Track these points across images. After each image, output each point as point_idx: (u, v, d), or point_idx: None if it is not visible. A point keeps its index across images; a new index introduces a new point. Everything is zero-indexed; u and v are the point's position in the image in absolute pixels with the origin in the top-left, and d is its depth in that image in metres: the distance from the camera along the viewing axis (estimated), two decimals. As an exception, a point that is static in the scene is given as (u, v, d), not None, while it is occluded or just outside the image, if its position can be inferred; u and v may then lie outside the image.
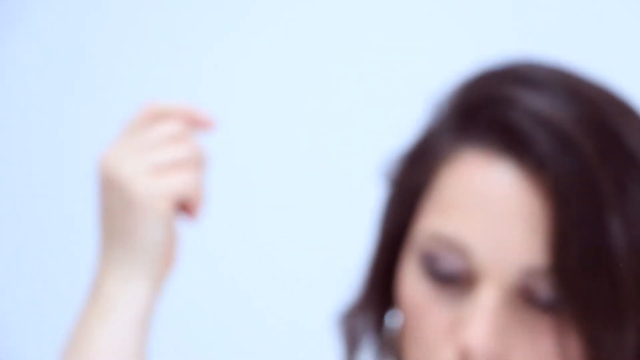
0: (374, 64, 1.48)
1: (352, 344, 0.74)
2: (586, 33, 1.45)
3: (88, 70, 1.62)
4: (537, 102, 0.67)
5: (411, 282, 0.69)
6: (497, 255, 0.67)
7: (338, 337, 0.75)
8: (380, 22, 1.49)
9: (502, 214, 0.67)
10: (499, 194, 0.67)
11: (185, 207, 0.77)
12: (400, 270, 0.70)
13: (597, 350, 0.65)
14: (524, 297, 0.67)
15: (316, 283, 1.44)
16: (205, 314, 1.51)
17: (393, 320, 0.71)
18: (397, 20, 1.49)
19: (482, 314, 0.66)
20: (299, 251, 1.49)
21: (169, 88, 1.60)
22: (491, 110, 0.68)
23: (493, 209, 0.67)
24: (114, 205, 0.75)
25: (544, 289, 0.66)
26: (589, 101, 0.67)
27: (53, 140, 1.64)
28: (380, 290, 0.73)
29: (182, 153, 0.76)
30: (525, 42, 1.41)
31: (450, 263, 0.68)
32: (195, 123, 0.77)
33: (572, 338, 0.66)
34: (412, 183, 0.71)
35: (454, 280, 0.68)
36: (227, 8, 1.57)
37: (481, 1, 1.45)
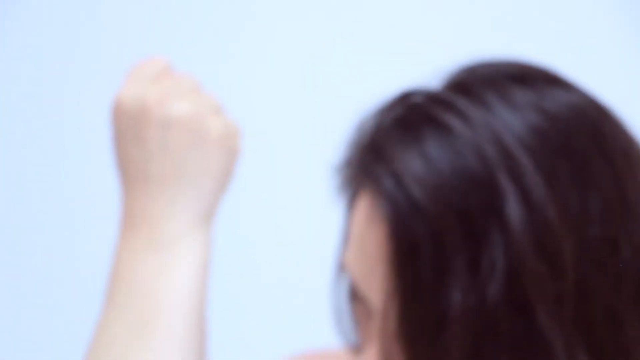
0: (364, 66, 1.50)
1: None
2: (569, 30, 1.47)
3: (87, 69, 1.63)
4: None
5: None
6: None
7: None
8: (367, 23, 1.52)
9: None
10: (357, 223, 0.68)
11: None
12: None
13: None
14: None
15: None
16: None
17: None
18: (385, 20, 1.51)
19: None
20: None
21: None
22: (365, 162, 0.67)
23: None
24: (177, 144, 0.70)
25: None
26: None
27: (53, 140, 1.65)
28: None
29: (216, 99, 0.73)
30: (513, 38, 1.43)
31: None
32: None
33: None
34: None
35: None
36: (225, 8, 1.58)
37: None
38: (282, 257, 1.54)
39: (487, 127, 0.64)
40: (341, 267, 0.71)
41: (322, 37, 1.52)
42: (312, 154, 1.36)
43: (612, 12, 1.46)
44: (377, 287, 0.66)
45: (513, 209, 0.63)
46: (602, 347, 0.65)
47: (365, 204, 0.67)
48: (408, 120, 0.66)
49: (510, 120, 0.65)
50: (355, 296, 0.69)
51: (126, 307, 0.70)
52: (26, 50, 1.62)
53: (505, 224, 0.63)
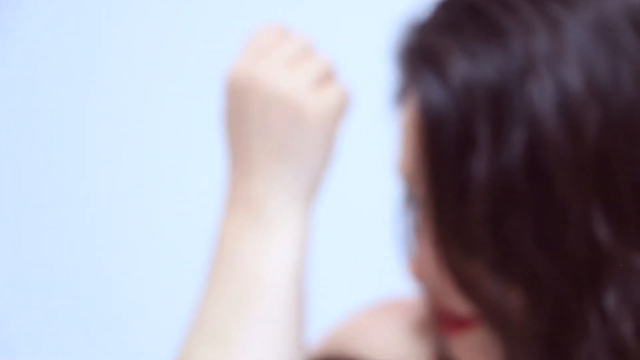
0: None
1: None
2: None
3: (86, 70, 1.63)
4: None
5: None
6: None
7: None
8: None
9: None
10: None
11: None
12: None
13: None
14: None
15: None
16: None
17: None
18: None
19: None
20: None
21: (169, 87, 1.60)
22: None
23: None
24: (278, 122, 0.70)
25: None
26: None
27: (52, 140, 1.64)
28: None
29: (327, 64, 0.72)
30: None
31: None
32: None
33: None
34: None
35: None
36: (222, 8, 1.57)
37: None
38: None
39: None
40: (396, 170, 0.74)
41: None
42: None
43: None
44: (420, 178, 0.70)
45: (539, 81, 0.66)
46: (623, 217, 0.67)
47: (411, 105, 0.71)
48: (452, 13, 0.71)
49: None
50: (411, 202, 0.73)
51: (227, 285, 0.70)
52: (27, 50, 1.62)
53: (529, 94, 0.66)
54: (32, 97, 1.63)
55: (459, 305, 0.72)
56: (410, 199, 0.74)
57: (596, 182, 0.66)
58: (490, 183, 0.66)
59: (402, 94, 0.73)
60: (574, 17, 0.68)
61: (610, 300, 0.67)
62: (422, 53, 0.70)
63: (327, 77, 0.72)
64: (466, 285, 0.69)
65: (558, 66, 0.67)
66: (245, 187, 0.71)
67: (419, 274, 0.73)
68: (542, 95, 0.66)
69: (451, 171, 0.68)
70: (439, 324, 0.74)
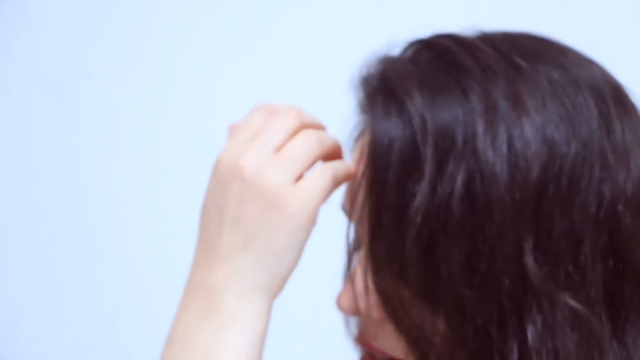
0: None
1: None
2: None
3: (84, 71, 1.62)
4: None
5: None
6: None
7: None
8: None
9: None
10: None
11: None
12: None
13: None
14: None
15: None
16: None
17: None
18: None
19: None
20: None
21: (167, 91, 1.60)
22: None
23: None
24: (253, 214, 0.70)
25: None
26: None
27: (51, 140, 1.64)
28: None
29: (313, 145, 0.72)
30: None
31: None
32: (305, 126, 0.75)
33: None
34: None
35: None
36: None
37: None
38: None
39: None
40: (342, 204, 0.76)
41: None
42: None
43: None
44: (363, 208, 0.72)
45: (491, 126, 0.69)
46: (554, 259, 0.69)
47: (364, 135, 0.74)
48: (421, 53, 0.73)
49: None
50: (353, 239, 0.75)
51: None
52: (26, 50, 1.62)
53: (480, 136, 0.69)
54: (31, 97, 1.63)
55: (383, 344, 0.74)
56: (353, 235, 0.75)
57: (532, 220, 0.68)
58: (427, 210, 0.68)
59: (359, 124, 0.76)
60: (537, 72, 0.71)
61: (533, 335, 0.68)
62: (381, 83, 0.72)
63: (313, 159, 0.72)
64: (393, 310, 0.71)
65: (512, 115, 0.69)
66: (208, 275, 0.71)
67: (349, 308, 0.74)
68: (492, 140, 0.68)
69: (391, 196, 0.69)
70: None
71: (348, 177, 0.73)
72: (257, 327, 0.70)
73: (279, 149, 0.71)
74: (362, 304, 0.73)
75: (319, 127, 0.74)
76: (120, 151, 1.61)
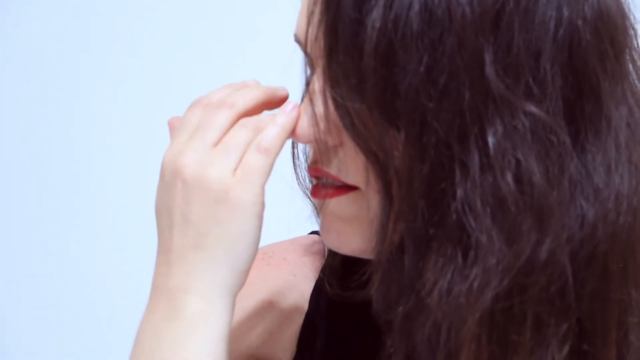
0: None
1: None
2: None
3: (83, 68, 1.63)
4: None
5: None
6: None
7: None
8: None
9: None
10: None
11: None
12: None
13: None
14: None
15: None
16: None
17: None
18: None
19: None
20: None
21: (167, 88, 1.60)
22: None
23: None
24: (199, 211, 0.70)
25: None
26: None
27: (50, 140, 1.65)
28: None
29: (249, 133, 0.72)
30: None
31: None
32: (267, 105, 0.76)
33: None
34: None
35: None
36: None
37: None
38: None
39: None
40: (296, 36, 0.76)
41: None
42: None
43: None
44: (318, 33, 0.71)
45: None
46: (515, 70, 0.68)
47: None
48: None
49: None
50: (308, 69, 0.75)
51: None
52: (26, 50, 1.63)
53: None
54: (26, 96, 1.64)
55: (338, 168, 0.74)
56: (308, 65, 0.75)
57: (492, 32, 0.68)
58: (384, 22, 0.67)
59: None
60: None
61: (494, 146, 0.67)
62: None
63: (256, 147, 0.72)
64: (351, 124, 0.70)
65: None
66: (167, 277, 0.71)
67: (306, 135, 0.73)
68: None
69: (348, 9, 0.69)
70: (318, 189, 0.76)
71: (282, 138, 0.73)
72: (220, 325, 0.71)
73: (216, 144, 0.72)
74: (321, 126, 0.72)
75: (276, 96, 0.75)
76: (120, 151, 1.62)
